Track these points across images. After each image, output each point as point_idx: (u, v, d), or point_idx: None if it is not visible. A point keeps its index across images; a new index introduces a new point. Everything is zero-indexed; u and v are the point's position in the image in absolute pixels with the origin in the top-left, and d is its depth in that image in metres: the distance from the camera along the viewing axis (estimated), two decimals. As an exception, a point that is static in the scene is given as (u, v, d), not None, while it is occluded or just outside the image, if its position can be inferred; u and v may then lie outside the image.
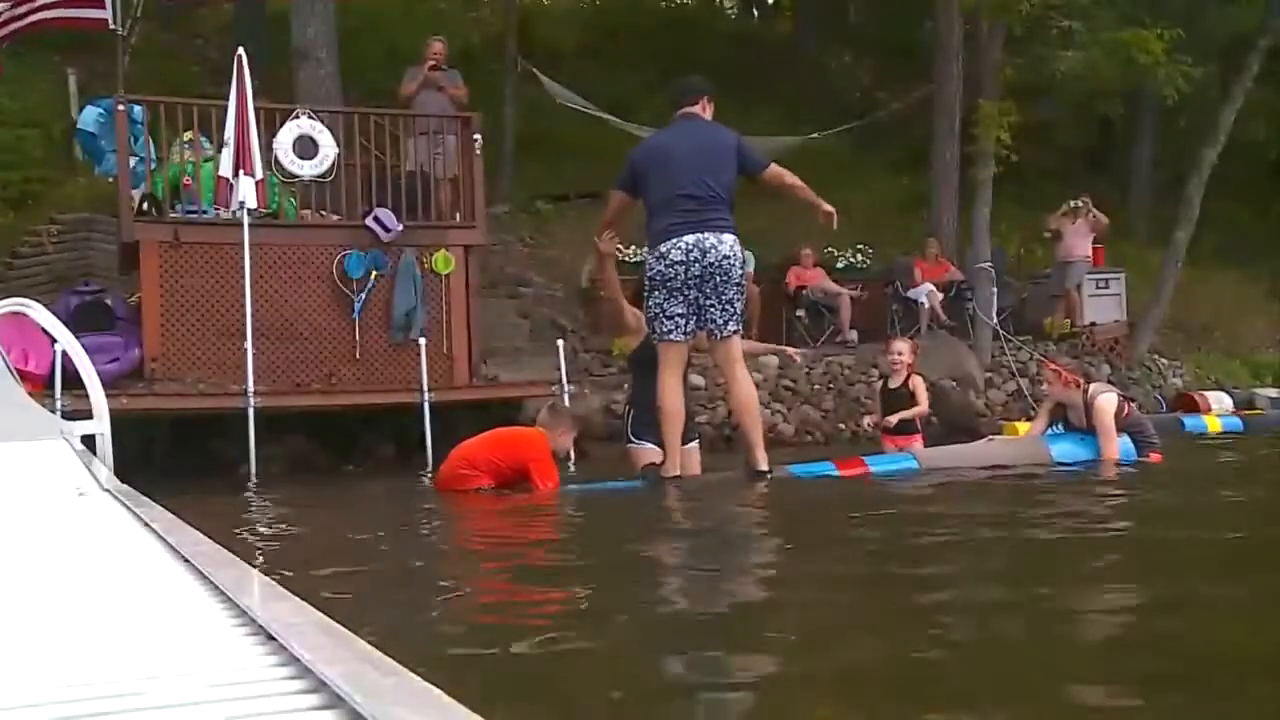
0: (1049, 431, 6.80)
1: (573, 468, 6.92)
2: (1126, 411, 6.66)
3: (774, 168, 6.03)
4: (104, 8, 9.25)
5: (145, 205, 8.60)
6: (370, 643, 1.06)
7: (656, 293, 5.74)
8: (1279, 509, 4.95)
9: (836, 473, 6.22)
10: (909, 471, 6.34)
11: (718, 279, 5.68)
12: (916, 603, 2.85)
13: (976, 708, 1.96)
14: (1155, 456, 6.52)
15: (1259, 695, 2.01)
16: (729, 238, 5.72)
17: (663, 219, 5.73)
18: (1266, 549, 3.68)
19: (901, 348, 7.71)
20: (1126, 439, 6.50)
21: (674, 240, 5.65)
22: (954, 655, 2.31)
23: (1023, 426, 8.24)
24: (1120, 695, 2.00)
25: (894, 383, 7.55)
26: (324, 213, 9.25)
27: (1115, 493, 5.54)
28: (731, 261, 5.71)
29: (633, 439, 6.08)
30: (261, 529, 4.90)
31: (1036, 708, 1.95)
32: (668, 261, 5.66)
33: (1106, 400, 6.52)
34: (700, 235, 5.63)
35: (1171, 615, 2.67)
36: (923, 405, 7.43)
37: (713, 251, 5.65)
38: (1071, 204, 12.33)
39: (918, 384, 7.50)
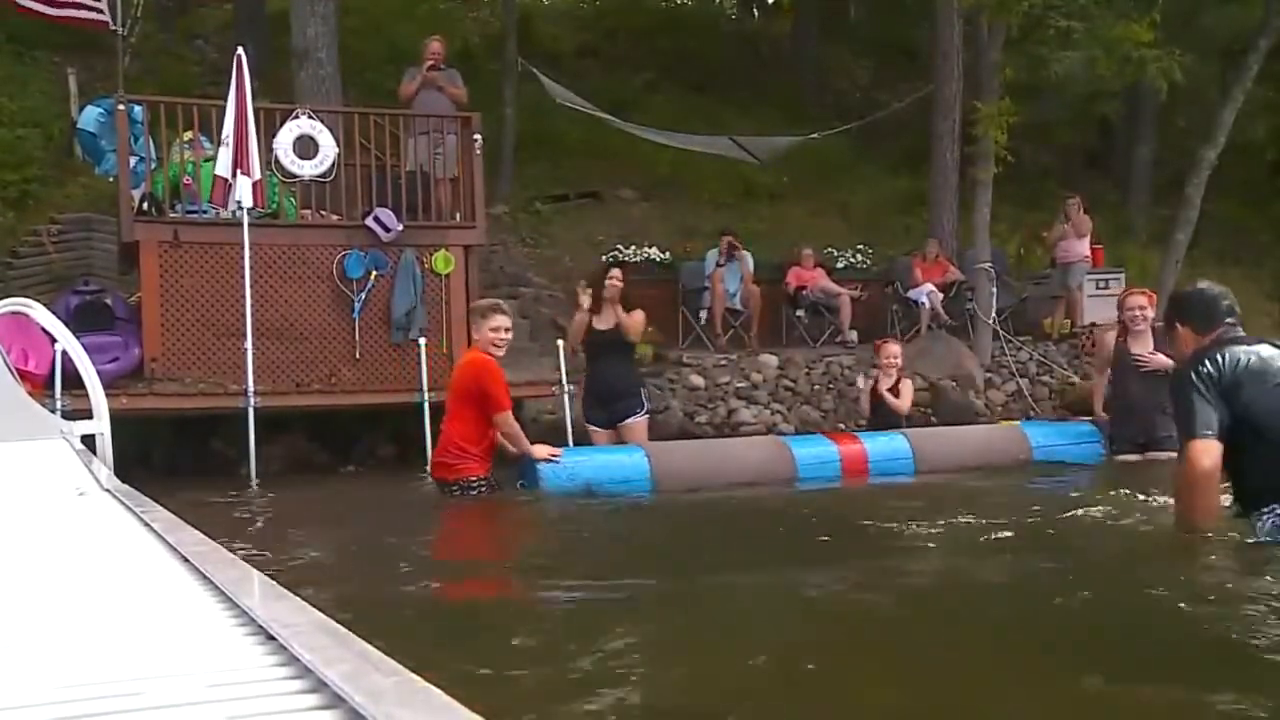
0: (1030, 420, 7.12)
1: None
2: None
3: None
4: (103, 11, 9.23)
5: (145, 205, 8.59)
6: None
7: None
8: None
9: (832, 446, 6.82)
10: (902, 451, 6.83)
11: None
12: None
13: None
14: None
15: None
16: None
17: None
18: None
19: (897, 350, 8.16)
20: None
21: None
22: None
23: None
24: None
25: (885, 384, 7.95)
26: (324, 213, 9.24)
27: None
28: None
29: (587, 422, 6.92)
30: (261, 529, 4.90)
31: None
32: None
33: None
34: None
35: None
36: (905, 404, 7.87)
37: None
38: (1066, 205, 12.35)
39: (906, 385, 8.00)
